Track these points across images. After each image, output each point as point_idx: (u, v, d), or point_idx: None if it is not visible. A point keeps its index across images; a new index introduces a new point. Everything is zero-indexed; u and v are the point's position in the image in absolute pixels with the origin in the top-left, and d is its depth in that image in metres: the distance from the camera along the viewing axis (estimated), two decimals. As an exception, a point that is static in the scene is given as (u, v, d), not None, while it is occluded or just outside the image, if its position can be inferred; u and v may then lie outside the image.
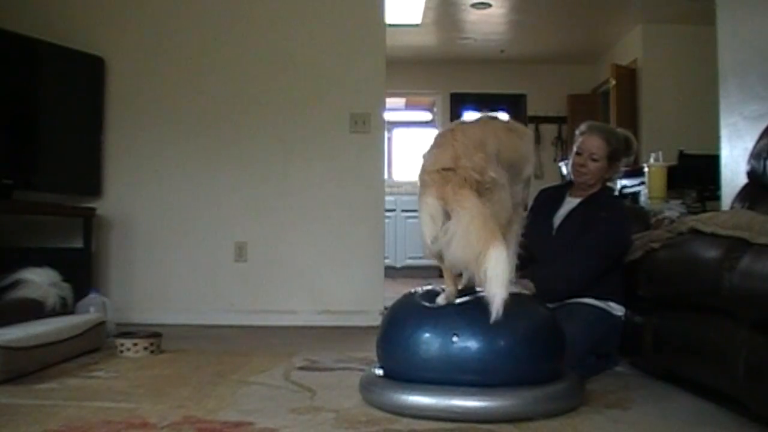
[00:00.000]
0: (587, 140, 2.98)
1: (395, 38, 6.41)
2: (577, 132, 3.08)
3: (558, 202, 3.05)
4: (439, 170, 2.10)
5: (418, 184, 2.18)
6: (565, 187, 3.17)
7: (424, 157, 2.21)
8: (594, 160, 2.95)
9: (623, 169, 3.17)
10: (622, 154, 3.02)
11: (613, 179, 3.14)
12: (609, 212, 2.91)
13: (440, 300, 2.25)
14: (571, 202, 3.03)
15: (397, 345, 2.24)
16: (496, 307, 1.97)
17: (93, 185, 4.53)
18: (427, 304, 2.26)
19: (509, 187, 2.23)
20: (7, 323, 2.81)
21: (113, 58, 4.61)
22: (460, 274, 2.44)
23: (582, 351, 2.65)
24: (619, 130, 3.16)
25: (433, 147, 2.19)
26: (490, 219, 2.03)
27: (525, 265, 2.80)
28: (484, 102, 8.97)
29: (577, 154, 3.00)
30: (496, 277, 1.96)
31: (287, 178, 4.64)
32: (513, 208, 2.36)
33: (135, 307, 4.43)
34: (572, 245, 2.84)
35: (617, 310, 2.88)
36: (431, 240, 2.09)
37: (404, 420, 2.07)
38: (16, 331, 2.73)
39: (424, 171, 2.15)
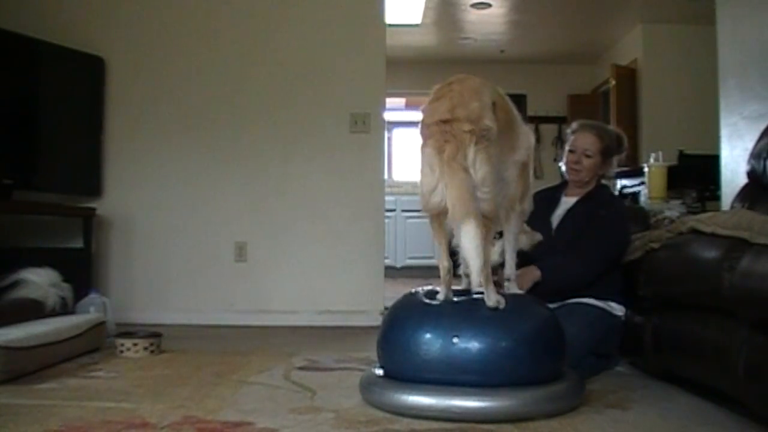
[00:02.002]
0: (580, 137, 3.01)
1: (395, 38, 6.41)
2: (568, 131, 3.11)
3: (554, 203, 3.06)
4: (437, 122, 2.15)
5: (420, 137, 2.22)
6: (560, 187, 3.17)
7: (423, 110, 2.25)
8: (588, 156, 2.98)
9: (615, 167, 3.19)
10: (615, 151, 3.05)
11: (607, 177, 3.16)
12: (608, 210, 2.92)
13: (440, 296, 2.26)
14: (567, 202, 3.04)
15: (397, 345, 2.24)
16: (476, 276, 2.05)
17: (93, 185, 4.53)
18: (427, 300, 2.27)
19: (504, 160, 2.28)
20: (7, 323, 2.81)
21: (113, 58, 4.61)
22: (459, 275, 2.45)
23: (582, 351, 2.65)
24: (610, 127, 3.18)
25: (431, 100, 2.23)
26: (470, 195, 2.08)
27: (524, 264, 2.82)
28: (485, 102, 8.96)
29: (571, 152, 3.02)
30: (469, 249, 2.04)
31: (287, 177, 4.65)
32: (508, 198, 2.39)
33: (135, 307, 4.43)
34: (572, 245, 2.84)
35: (617, 309, 2.88)
36: (429, 190, 2.14)
37: (404, 420, 2.07)
38: (16, 331, 2.73)
39: (423, 124, 2.21)
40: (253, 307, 4.57)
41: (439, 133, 2.13)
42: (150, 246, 4.62)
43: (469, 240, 2.03)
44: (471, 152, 2.10)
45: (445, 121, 2.13)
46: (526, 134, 2.47)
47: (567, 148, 3.06)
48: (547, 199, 3.08)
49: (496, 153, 2.17)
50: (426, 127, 2.19)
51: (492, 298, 2.18)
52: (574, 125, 3.09)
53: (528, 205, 2.54)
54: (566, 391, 2.20)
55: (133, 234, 4.62)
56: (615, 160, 3.08)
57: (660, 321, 2.68)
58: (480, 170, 2.10)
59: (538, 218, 2.92)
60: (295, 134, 4.66)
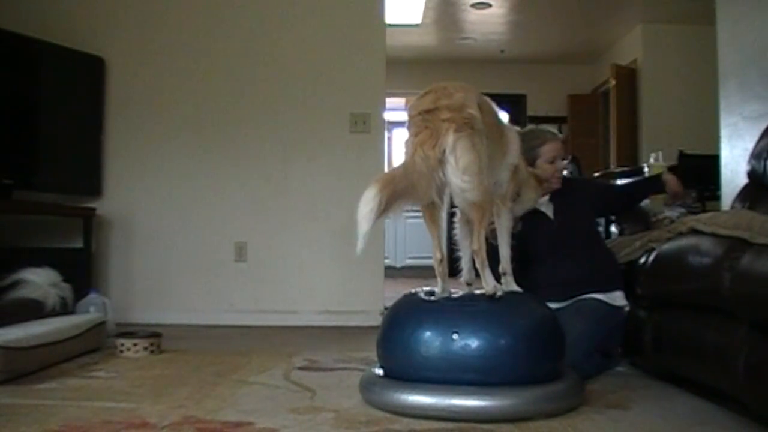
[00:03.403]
0: (554, 147, 2.97)
1: (395, 38, 6.41)
2: (533, 146, 2.94)
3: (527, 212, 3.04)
4: (420, 112, 2.19)
5: (407, 131, 2.26)
6: None
7: (410, 106, 2.29)
8: (564, 159, 3.08)
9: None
10: None
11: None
12: (587, 180, 3.10)
13: (437, 289, 2.28)
14: (542, 203, 2.97)
15: (397, 344, 2.24)
16: (361, 241, 2.05)
17: (93, 185, 4.53)
18: (426, 297, 2.29)
19: (497, 164, 2.30)
20: (7, 323, 2.81)
21: (113, 58, 4.61)
22: (458, 274, 2.46)
23: (589, 348, 2.67)
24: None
25: (419, 96, 2.27)
26: (397, 178, 2.11)
27: (525, 266, 2.81)
28: (484, 102, 8.97)
29: (551, 163, 2.95)
30: (360, 211, 2.04)
31: (287, 178, 4.65)
32: (499, 197, 2.40)
33: (135, 307, 4.43)
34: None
35: (621, 299, 2.86)
36: None
37: (404, 420, 2.07)
38: (16, 331, 2.73)
39: (409, 116, 2.25)
40: (253, 307, 4.56)
41: (421, 121, 2.17)
42: (150, 246, 4.62)
43: (363, 202, 2.02)
44: (450, 139, 2.10)
45: (428, 111, 2.17)
46: (515, 137, 2.48)
47: (546, 160, 2.95)
48: None
49: (483, 142, 2.15)
50: (410, 119, 2.22)
51: (490, 283, 2.20)
52: (539, 138, 2.98)
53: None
54: (566, 391, 2.20)
55: (133, 234, 4.62)
56: None
57: (660, 321, 2.68)
58: (462, 158, 2.09)
59: (529, 220, 2.87)
60: (295, 134, 4.66)
